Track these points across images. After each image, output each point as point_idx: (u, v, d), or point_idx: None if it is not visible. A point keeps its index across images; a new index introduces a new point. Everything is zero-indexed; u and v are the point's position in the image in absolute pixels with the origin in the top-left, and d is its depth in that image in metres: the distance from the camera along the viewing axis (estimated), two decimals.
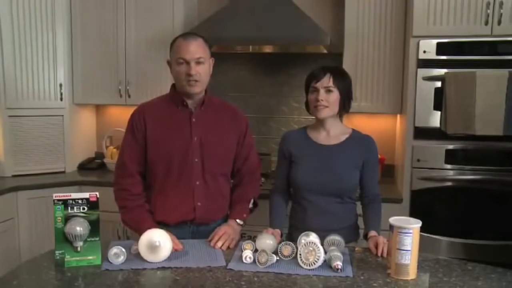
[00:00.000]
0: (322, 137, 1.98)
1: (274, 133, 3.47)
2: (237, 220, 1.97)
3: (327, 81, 1.88)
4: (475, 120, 2.47)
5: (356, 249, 1.83)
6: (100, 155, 3.57)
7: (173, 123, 1.96)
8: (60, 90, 3.26)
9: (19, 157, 3.19)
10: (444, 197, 2.66)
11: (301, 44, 3.05)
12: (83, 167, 3.46)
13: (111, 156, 3.44)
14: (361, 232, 2.00)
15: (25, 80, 3.14)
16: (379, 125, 3.23)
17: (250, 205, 2.06)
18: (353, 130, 2.01)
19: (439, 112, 2.62)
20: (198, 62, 1.88)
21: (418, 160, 2.67)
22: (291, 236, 2.00)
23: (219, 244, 1.79)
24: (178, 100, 1.98)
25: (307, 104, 1.98)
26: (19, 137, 3.17)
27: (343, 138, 1.97)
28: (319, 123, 1.98)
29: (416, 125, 2.67)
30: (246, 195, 2.06)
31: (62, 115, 3.30)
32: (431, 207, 2.66)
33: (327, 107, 1.90)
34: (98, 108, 3.71)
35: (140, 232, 1.73)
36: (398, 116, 3.17)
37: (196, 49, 1.89)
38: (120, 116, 3.63)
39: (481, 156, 2.59)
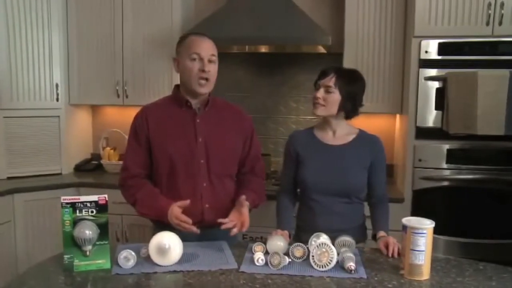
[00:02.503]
0: (329, 137, 1.97)
1: (272, 133, 3.46)
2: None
3: (329, 80, 1.88)
4: (476, 120, 2.48)
5: (364, 249, 1.83)
6: (96, 156, 3.52)
7: (177, 124, 1.94)
8: (56, 91, 3.21)
9: (14, 159, 3.12)
10: (446, 197, 2.67)
11: (303, 44, 3.04)
12: (79, 168, 3.41)
13: (108, 157, 3.40)
14: (369, 232, 2.00)
15: (21, 81, 3.09)
16: (378, 125, 3.23)
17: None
18: (360, 130, 2.01)
19: (440, 112, 2.63)
20: (210, 61, 1.88)
21: (420, 160, 2.68)
22: (298, 237, 1.99)
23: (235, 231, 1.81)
24: (182, 101, 1.95)
25: None
26: (14, 138, 3.11)
27: (350, 138, 1.96)
28: (325, 123, 1.98)
29: (418, 125, 2.67)
30: (262, 192, 2.07)
31: (58, 116, 3.25)
32: (432, 207, 2.67)
33: (323, 105, 1.90)
34: (94, 108, 3.66)
35: (162, 215, 1.82)
36: (398, 116, 3.18)
37: (210, 46, 1.91)
38: (117, 116, 3.59)
39: (483, 155, 2.60)
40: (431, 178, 2.67)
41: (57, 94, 3.22)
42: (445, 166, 2.66)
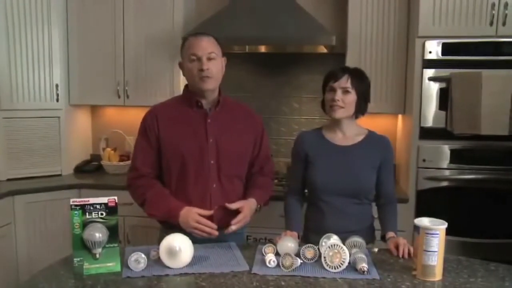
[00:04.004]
0: (338, 138, 1.97)
1: (274, 133, 3.44)
2: (258, 205, 1.97)
3: (345, 81, 1.87)
4: (481, 120, 2.49)
5: (372, 250, 1.82)
6: (96, 157, 3.49)
7: (188, 124, 1.93)
8: (56, 91, 3.17)
9: (14, 160, 3.08)
10: (450, 197, 2.67)
11: (307, 45, 3.03)
12: (79, 169, 3.37)
13: (109, 158, 3.37)
14: (377, 233, 1.99)
15: (20, 81, 3.04)
16: (380, 125, 3.17)
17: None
18: (369, 130, 2.00)
19: (444, 112, 2.63)
20: (209, 58, 1.87)
21: (424, 160, 2.68)
22: (307, 238, 1.97)
23: (234, 228, 1.84)
24: (192, 101, 1.94)
25: (323, 103, 1.97)
26: (14, 139, 3.07)
27: (360, 138, 1.96)
28: (335, 124, 1.97)
29: (422, 125, 2.68)
30: (268, 188, 2.07)
31: (59, 117, 3.21)
32: (437, 207, 2.66)
33: (342, 107, 1.89)
34: (94, 109, 3.62)
35: (171, 217, 1.82)
36: (400, 116, 3.18)
37: (208, 44, 1.89)
38: (117, 117, 3.56)
39: (487, 155, 2.61)
40: (435, 178, 2.68)
41: (57, 95, 3.18)
42: (449, 166, 2.66)
